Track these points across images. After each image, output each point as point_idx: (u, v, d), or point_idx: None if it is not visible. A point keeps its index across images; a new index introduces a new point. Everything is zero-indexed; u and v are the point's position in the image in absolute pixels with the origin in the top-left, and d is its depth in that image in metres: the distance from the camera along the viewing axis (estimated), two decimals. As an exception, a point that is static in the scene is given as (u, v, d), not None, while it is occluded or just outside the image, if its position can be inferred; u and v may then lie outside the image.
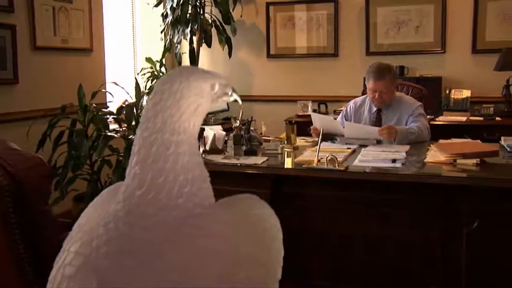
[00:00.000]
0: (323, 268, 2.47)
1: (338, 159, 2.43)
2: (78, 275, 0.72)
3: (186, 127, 0.76)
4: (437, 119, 4.17)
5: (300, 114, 4.56)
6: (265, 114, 4.69)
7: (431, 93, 3.85)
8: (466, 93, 4.33)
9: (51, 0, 3.61)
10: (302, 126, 3.40)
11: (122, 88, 3.67)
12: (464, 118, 4.17)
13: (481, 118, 4.15)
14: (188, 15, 4.60)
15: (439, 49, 4.53)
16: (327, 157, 2.39)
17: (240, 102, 0.86)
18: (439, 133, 3.38)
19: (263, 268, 0.76)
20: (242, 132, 2.90)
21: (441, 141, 2.88)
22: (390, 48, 4.67)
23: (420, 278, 2.32)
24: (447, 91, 4.39)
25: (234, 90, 0.85)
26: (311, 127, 3.18)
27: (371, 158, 2.56)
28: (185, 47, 4.84)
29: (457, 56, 4.51)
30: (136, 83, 3.75)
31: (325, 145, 2.92)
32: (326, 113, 4.58)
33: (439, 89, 4.41)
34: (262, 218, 0.80)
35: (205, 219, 0.74)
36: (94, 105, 3.41)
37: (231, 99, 0.84)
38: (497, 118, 4.11)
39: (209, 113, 4.27)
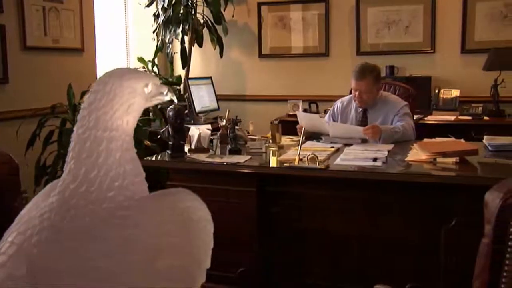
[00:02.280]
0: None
1: (320, 158, 2.45)
2: (8, 263, 0.76)
3: (119, 124, 0.81)
4: (426, 118, 4.19)
5: (291, 113, 4.58)
6: (256, 113, 4.73)
7: (421, 92, 3.88)
8: (455, 93, 4.36)
9: (41, 0, 3.64)
10: (293, 126, 3.42)
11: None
12: (453, 118, 4.20)
13: (470, 118, 4.18)
14: (179, 15, 4.63)
15: (429, 49, 4.55)
16: (308, 156, 2.41)
17: (175, 101, 0.90)
18: (428, 132, 3.41)
19: (187, 257, 0.79)
20: (228, 131, 2.93)
21: (424, 140, 2.91)
22: (380, 48, 4.70)
23: (401, 276, 2.34)
24: (437, 91, 4.41)
25: (169, 90, 0.88)
26: (297, 125, 3.21)
27: (352, 157, 2.58)
28: (176, 47, 4.87)
29: (446, 56, 4.53)
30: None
31: (310, 144, 2.95)
32: (317, 112, 4.60)
33: (429, 88, 4.43)
34: (190, 210, 0.84)
35: (132, 210, 0.78)
36: (83, 104, 3.44)
37: (166, 98, 0.87)
38: (485, 118, 4.14)
39: (199, 113, 4.37)
